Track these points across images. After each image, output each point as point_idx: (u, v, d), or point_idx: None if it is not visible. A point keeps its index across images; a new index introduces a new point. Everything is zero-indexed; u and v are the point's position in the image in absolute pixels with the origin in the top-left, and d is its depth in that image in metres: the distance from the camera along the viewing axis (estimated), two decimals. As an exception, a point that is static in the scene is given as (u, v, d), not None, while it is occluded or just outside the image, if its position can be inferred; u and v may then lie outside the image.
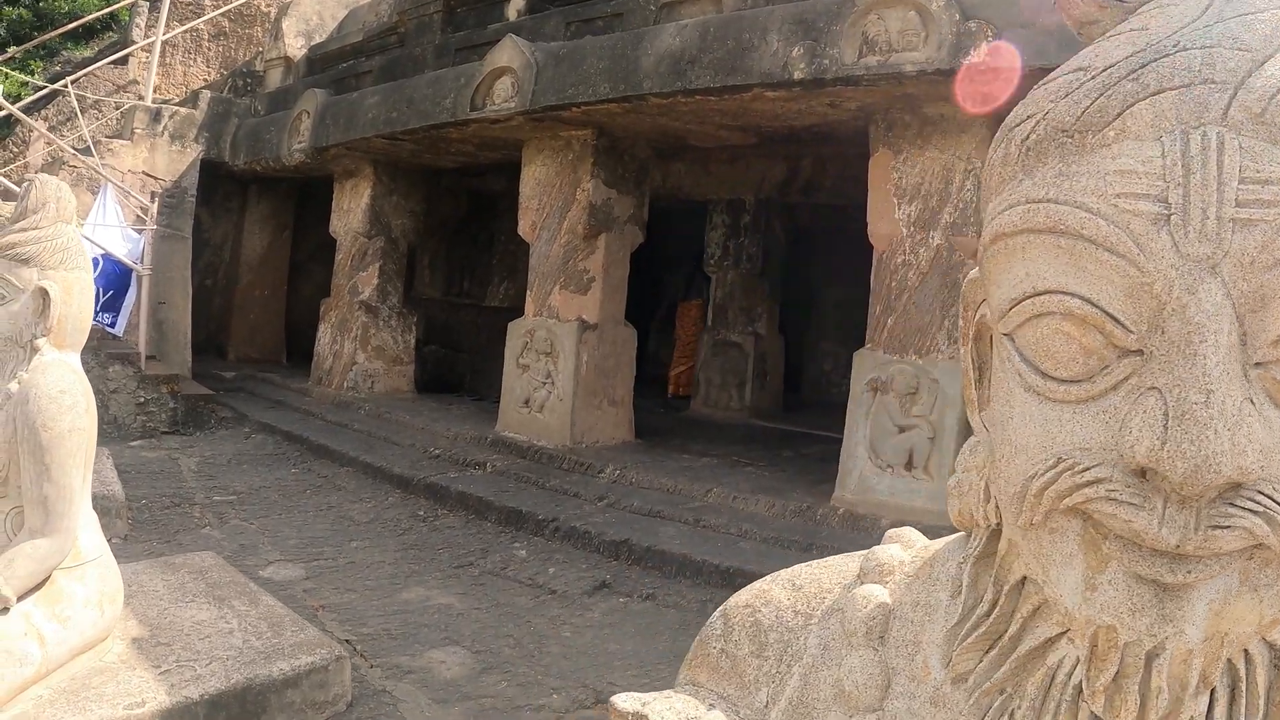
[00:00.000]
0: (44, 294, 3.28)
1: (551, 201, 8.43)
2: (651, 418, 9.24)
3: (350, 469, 8.54)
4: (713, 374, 11.41)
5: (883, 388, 6.74)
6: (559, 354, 8.28)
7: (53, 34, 12.86)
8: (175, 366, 11.26)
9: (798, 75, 6.26)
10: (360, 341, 10.86)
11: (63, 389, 3.27)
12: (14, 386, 3.28)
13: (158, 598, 4.22)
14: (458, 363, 12.87)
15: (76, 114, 12.02)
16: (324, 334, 11.46)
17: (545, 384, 8.37)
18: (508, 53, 7.90)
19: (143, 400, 10.09)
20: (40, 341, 3.31)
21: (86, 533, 3.48)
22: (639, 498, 7.19)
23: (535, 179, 8.61)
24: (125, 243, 10.11)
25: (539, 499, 7.22)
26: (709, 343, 11.48)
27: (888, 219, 6.77)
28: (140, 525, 6.72)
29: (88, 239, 9.59)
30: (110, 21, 18.97)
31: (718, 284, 11.59)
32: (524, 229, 8.73)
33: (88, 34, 18.76)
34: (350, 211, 11.14)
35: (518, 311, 12.98)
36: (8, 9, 18.88)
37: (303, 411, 10.58)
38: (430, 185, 11.61)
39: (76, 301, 3.40)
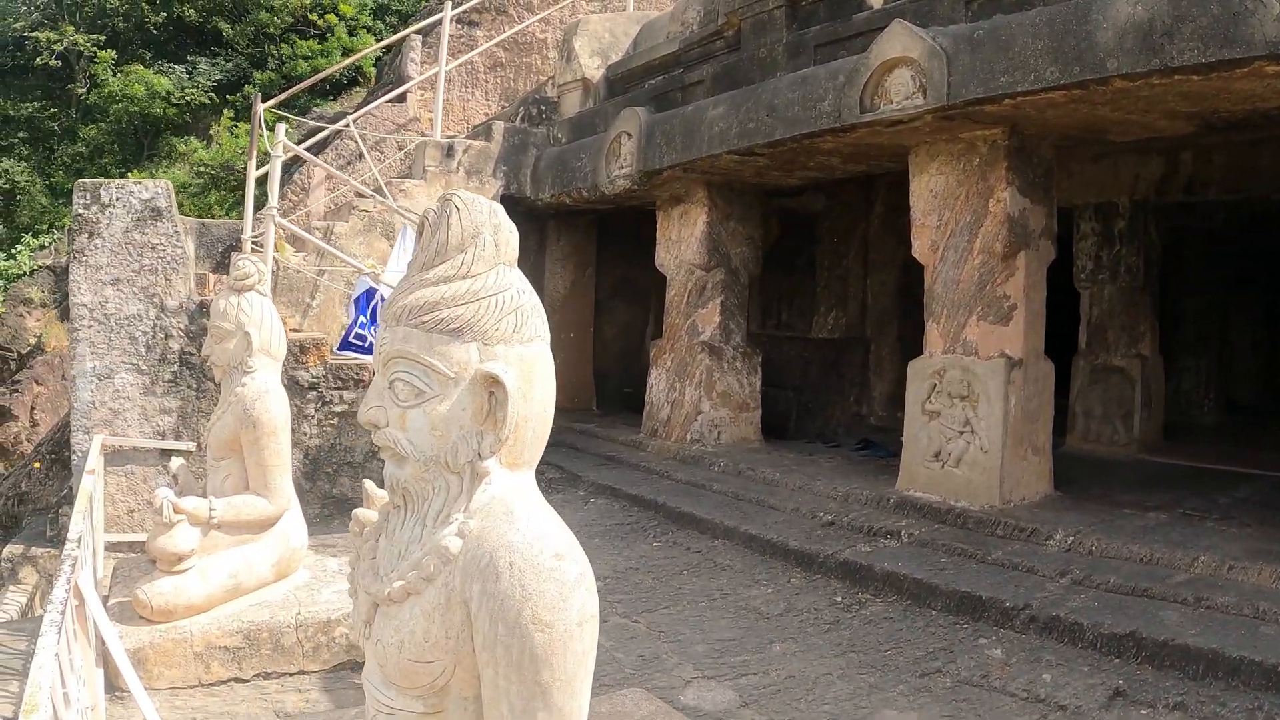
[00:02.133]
0: (492, 385, 2.11)
1: (956, 216, 7.28)
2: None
3: (728, 541, 7.58)
4: (1092, 404, 10.00)
5: None
6: (979, 397, 7.11)
7: (297, 88, 12.62)
8: (490, 423, 10.66)
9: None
10: (705, 387, 9.96)
11: (558, 550, 2.06)
12: (452, 543, 2.10)
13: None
14: (780, 401, 11.85)
15: (363, 154, 11.65)
16: (657, 379, 10.64)
17: (962, 433, 7.21)
18: (901, 40, 6.83)
19: (466, 464, 9.46)
20: (488, 464, 2.13)
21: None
22: (1111, 571, 5.95)
23: (930, 191, 7.48)
24: (430, 291, 9.57)
25: (990, 578, 6.07)
26: (1085, 369, 10.07)
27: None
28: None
29: (387, 285, 9.07)
30: (356, 76, 19.32)
31: (1091, 301, 10.18)
32: (920, 250, 7.60)
33: (335, 90, 19.11)
34: (682, 242, 10.28)
35: (850, 342, 12.01)
36: (257, 74, 19.47)
37: (643, 469, 9.76)
38: (763, 208, 10.66)
39: (539, 393, 2.19)
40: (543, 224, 13.24)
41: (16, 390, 16.96)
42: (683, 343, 10.27)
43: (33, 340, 18.36)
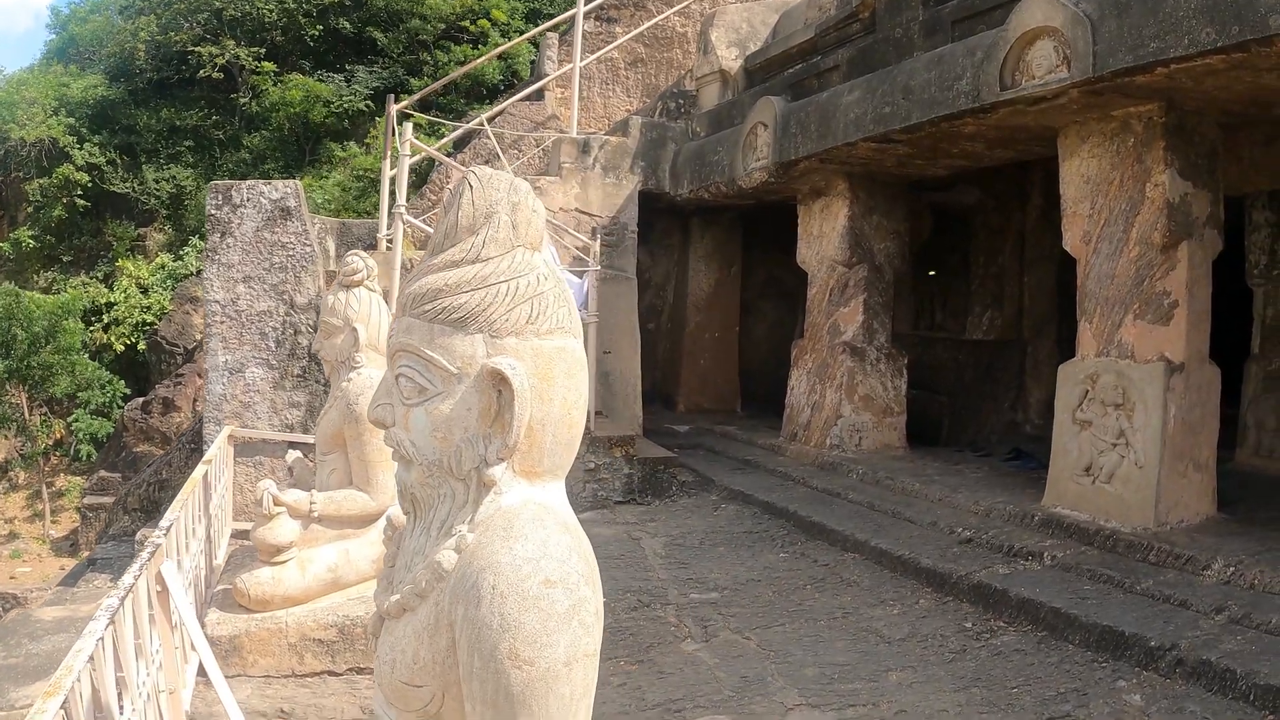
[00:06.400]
0: (499, 382, 1.86)
1: (1111, 203, 6.63)
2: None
3: (856, 555, 7.11)
4: (1264, 415, 9.03)
5: None
6: (1135, 406, 6.43)
7: (430, 88, 12.59)
8: (626, 424, 10.41)
9: None
10: (846, 390, 9.47)
11: (548, 577, 1.77)
12: (446, 558, 1.87)
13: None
14: (931, 407, 11.23)
15: (498, 154, 11.51)
16: (798, 381, 10.18)
17: (1115, 445, 6.54)
18: (1042, 9, 6.22)
19: (592, 466, 9.26)
20: (495, 471, 1.87)
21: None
22: (1274, 610, 5.18)
23: (1082, 176, 6.83)
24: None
25: (1134, 611, 5.41)
26: (1257, 375, 9.13)
27: None
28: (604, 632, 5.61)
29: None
30: (511, 79, 19.44)
31: (1266, 300, 9.25)
32: (1072, 242, 6.96)
33: (491, 94, 19.25)
34: (822, 237, 9.80)
35: (1006, 345, 11.28)
36: (413, 81, 19.80)
37: (779, 475, 9.33)
38: (909, 201, 10.08)
39: (559, 393, 1.91)
40: (685, 221, 12.94)
41: (180, 382, 17.61)
42: (824, 343, 9.80)
43: (198, 336, 19.03)
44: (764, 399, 12.61)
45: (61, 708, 2.61)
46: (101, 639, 3.13)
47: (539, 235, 1.97)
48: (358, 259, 5.76)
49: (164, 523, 4.66)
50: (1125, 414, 6.50)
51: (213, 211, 8.16)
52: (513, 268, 1.89)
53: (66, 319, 18.41)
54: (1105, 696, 4.75)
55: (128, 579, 3.68)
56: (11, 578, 15.93)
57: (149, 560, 4.00)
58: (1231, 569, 5.69)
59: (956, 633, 5.67)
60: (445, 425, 1.88)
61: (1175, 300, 6.41)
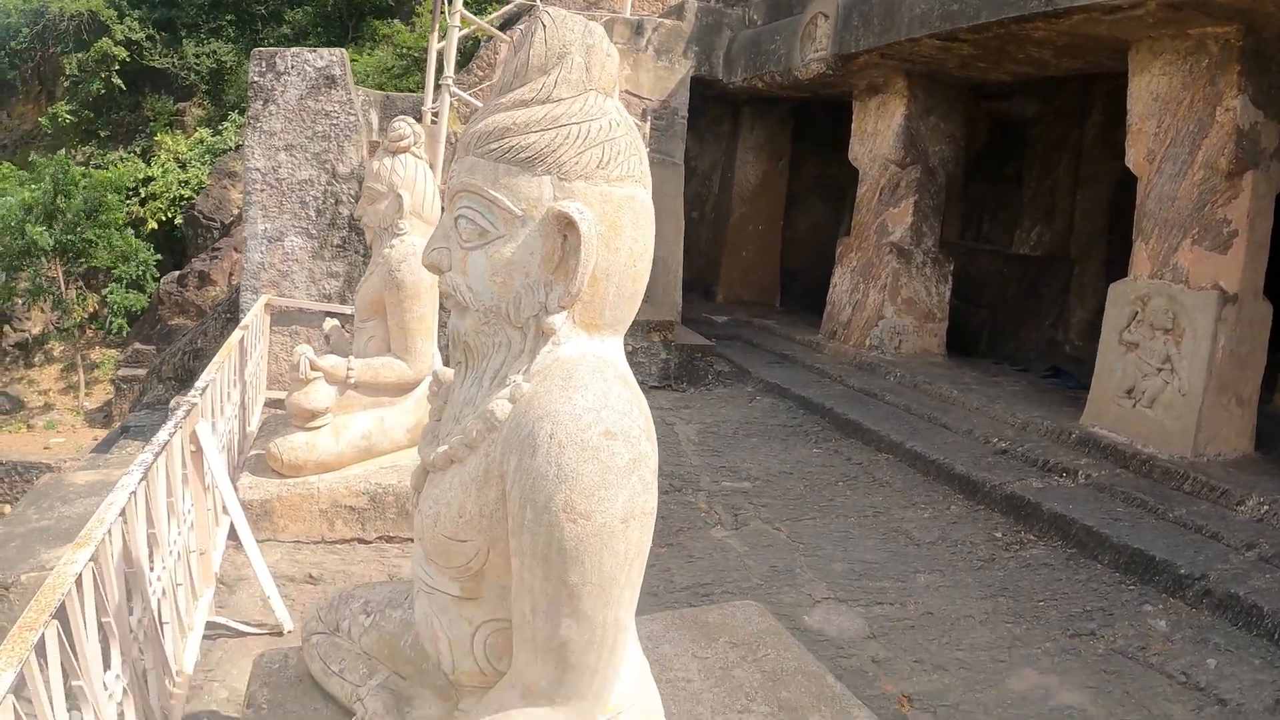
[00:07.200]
0: (565, 226, 1.82)
1: (1178, 124, 6.49)
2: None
3: (890, 456, 7.19)
4: None
5: None
6: (1184, 332, 6.38)
7: None
8: (665, 311, 10.41)
9: None
10: (889, 291, 9.45)
11: (609, 428, 1.70)
12: (500, 407, 1.83)
13: (692, 695, 2.83)
14: (973, 318, 11.17)
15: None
16: (841, 279, 10.16)
17: (1160, 370, 6.51)
18: (1133, -91, 6.04)
19: (630, 349, 9.27)
20: (555, 319, 1.84)
21: (623, 672, 2.00)
22: (1308, 551, 5.21)
23: (1151, 93, 6.69)
24: (614, 169, 9.34)
25: (1165, 538, 5.44)
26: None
27: None
28: (635, 514, 5.68)
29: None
30: (562, -42, 19.02)
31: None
32: (1134, 160, 6.85)
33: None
34: (877, 134, 9.68)
35: (1053, 262, 11.14)
36: None
37: (816, 371, 9.39)
38: (968, 105, 9.89)
39: (626, 243, 1.88)
40: (736, 111, 12.75)
41: (216, 257, 17.69)
42: (870, 242, 9.75)
43: (235, 211, 19.08)
44: (803, 295, 12.59)
45: (91, 559, 2.61)
46: (134, 493, 3.15)
47: (612, 80, 1.92)
48: (405, 124, 5.62)
49: (199, 384, 4.67)
50: (1174, 339, 6.46)
51: (255, 79, 8.07)
52: (585, 110, 1.84)
53: (109, 194, 18.42)
54: (1130, 619, 4.81)
55: (163, 435, 3.68)
56: (45, 448, 16.22)
57: (184, 419, 4.02)
58: (1266, 507, 5.69)
59: (986, 541, 5.74)
60: (506, 269, 1.84)
61: (1235, 229, 6.32)
